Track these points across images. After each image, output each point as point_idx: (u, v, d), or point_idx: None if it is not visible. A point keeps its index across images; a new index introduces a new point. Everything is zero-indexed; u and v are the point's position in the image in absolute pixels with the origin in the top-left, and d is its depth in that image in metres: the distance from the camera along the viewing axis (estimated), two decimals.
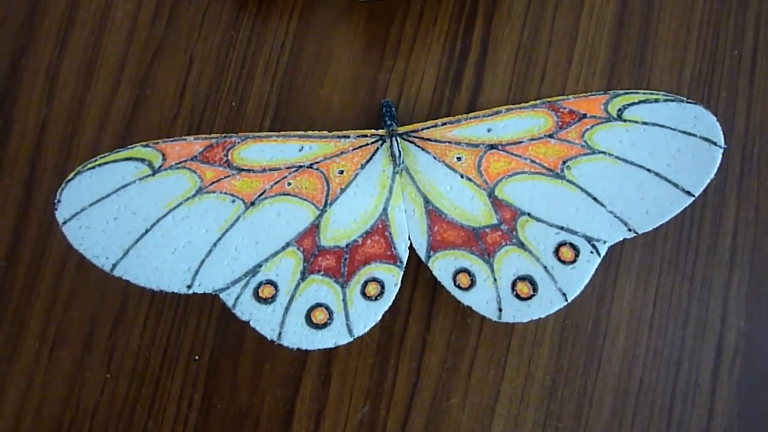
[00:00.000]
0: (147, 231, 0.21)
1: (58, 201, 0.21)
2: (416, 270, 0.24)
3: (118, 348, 0.25)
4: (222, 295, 0.21)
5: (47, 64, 0.27)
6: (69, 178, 0.22)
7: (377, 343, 0.24)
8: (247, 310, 0.21)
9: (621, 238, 0.22)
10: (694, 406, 0.23)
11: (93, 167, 0.22)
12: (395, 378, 0.24)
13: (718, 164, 0.22)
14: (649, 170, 0.22)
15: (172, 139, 0.23)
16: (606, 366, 0.23)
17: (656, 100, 0.23)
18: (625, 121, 0.23)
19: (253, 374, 0.24)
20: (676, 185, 0.22)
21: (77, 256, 0.25)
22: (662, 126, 0.22)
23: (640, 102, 0.23)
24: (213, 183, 0.22)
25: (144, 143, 0.22)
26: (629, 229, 0.22)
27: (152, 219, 0.21)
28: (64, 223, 0.21)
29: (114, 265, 0.21)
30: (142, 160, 0.22)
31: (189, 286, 0.21)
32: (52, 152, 0.27)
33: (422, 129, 0.23)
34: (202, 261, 0.21)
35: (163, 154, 0.22)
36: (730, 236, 0.24)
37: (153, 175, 0.22)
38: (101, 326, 0.25)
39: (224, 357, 0.24)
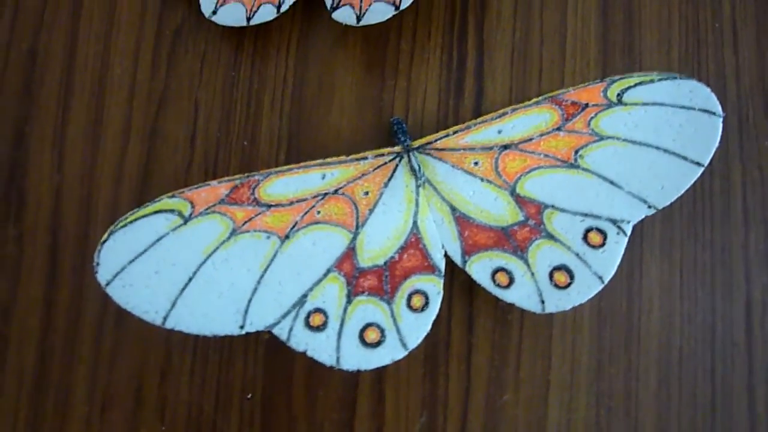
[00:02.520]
0: (190, 279, 0.22)
1: (97, 264, 0.22)
2: (450, 276, 0.24)
3: (170, 399, 0.25)
4: (275, 331, 0.21)
5: (52, 130, 0.28)
6: (103, 239, 0.22)
7: (424, 353, 0.24)
8: (301, 340, 0.21)
9: (643, 216, 0.23)
10: (734, 365, 0.24)
11: (125, 225, 0.22)
12: (447, 384, 0.24)
13: (720, 132, 0.23)
14: (657, 148, 0.23)
15: (196, 186, 0.23)
16: (645, 340, 0.24)
17: (651, 81, 0.24)
18: (625, 104, 0.24)
19: (308, 403, 0.25)
20: (684, 158, 0.23)
21: (114, 314, 0.26)
22: (661, 104, 0.23)
23: (636, 84, 0.24)
24: (245, 223, 0.23)
25: (170, 194, 0.23)
26: (649, 206, 0.23)
27: (193, 267, 0.22)
28: (107, 284, 0.21)
29: (164, 318, 0.21)
30: (172, 211, 0.22)
31: (241, 327, 0.21)
32: (71, 216, 0.27)
33: (436, 140, 0.24)
34: (250, 300, 0.22)
35: (191, 202, 0.23)
36: (740, 198, 0.25)
37: (185, 223, 0.22)
38: (149, 380, 0.25)
39: (276, 391, 0.25)
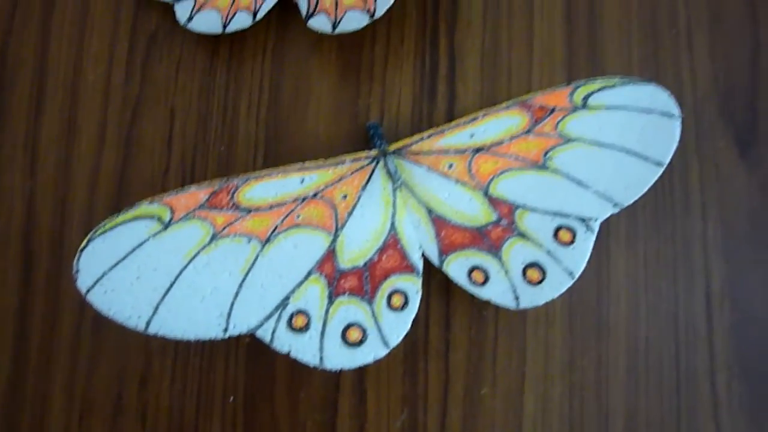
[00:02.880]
0: (172, 284, 0.22)
1: (77, 271, 0.22)
2: (427, 276, 0.25)
3: (150, 404, 0.25)
4: (258, 333, 0.22)
5: (24, 135, 0.27)
6: (83, 246, 0.22)
7: (403, 351, 0.25)
8: (285, 342, 0.22)
9: (609, 214, 0.24)
10: (697, 352, 0.25)
11: (104, 231, 0.22)
12: (426, 381, 0.25)
13: (678, 133, 0.24)
14: (620, 149, 0.24)
15: (176, 191, 0.23)
16: (614, 331, 0.25)
17: (614, 85, 0.25)
18: (590, 108, 0.25)
19: (290, 404, 0.25)
20: (646, 158, 0.24)
21: (91, 321, 0.26)
22: (624, 107, 0.25)
23: (600, 89, 0.25)
24: (225, 227, 0.23)
25: (149, 200, 0.23)
26: (615, 204, 0.24)
27: (174, 272, 0.22)
28: (88, 291, 0.21)
29: (147, 324, 0.21)
30: (152, 217, 0.23)
31: (225, 330, 0.22)
32: (44, 223, 0.27)
33: (411, 144, 0.25)
34: (232, 303, 0.22)
35: (171, 208, 0.23)
36: (699, 195, 0.26)
37: (165, 229, 0.22)
38: (129, 386, 0.25)
39: (258, 393, 0.25)
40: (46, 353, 0.26)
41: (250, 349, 0.25)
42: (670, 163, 0.24)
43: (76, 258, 0.22)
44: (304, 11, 0.26)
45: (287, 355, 0.22)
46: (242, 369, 0.25)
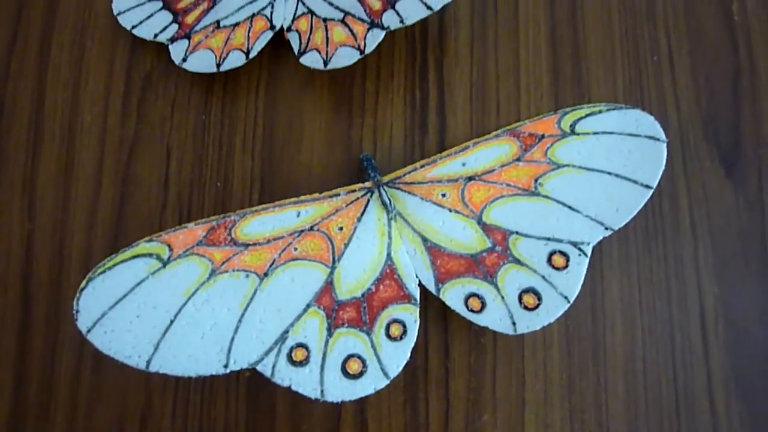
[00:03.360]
0: (172, 322, 0.22)
1: (77, 311, 0.22)
2: (424, 304, 0.25)
3: None
4: (258, 368, 0.22)
5: (21, 178, 0.28)
6: (82, 286, 0.22)
7: (404, 380, 0.25)
8: (285, 376, 0.22)
9: (601, 237, 0.24)
10: (694, 371, 0.25)
11: (104, 271, 0.22)
12: (427, 409, 0.25)
13: (665, 156, 0.25)
14: (609, 173, 0.25)
15: (173, 229, 0.23)
16: (611, 353, 0.25)
17: (600, 111, 0.26)
18: (578, 134, 0.25)
19: None
20: (635, 182, 0.24)
21: (91, 360, 0.26)
22: (611, 132, 0.25)
23: (587, 115, 0.26)
24: (224, 263, 0.23)
25: (147, 238, 0.23)
26: (606, 228, 0.24)
27: (174, 309, 0.22)
28: (88, 331, 0.22)
29: (148, 362, 0.21)
30: (150, 255, 0.23)
31: (225, 366, 0.22)
32: (43, 265, 0.27)
33: (404, 174, 0.25)
34: (232, 339, 0.22)
35: (169, 245, 0.23)
36: (688, 215, 0.27)
37: (164, 267, 0.23)
38: (129, 426, 0.25)
39: (260, 428, 0.25)
40: (46, 394, 0.26)
41: (250, 383, 0.25)
42: (659, 185, 0.24)
43: (75, 298, 0.22)
44: (296, 48, 0.26)
45: (288, 389, 0.22)
46: (243, 404, 0.25)
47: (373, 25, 0.25)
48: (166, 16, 0.28)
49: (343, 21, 0.26)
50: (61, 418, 0.25)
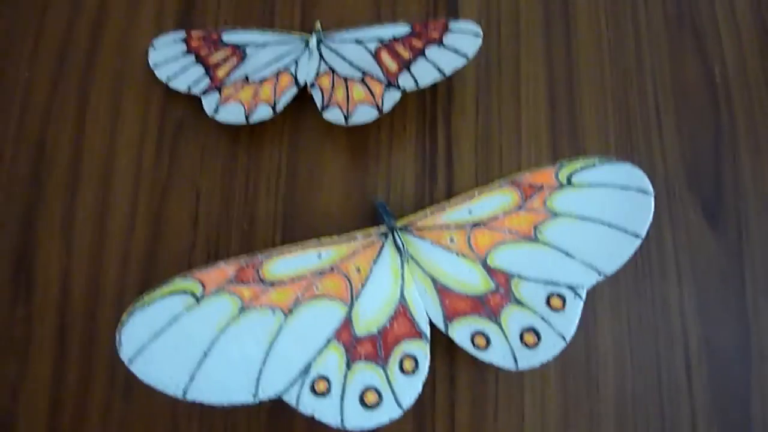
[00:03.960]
0: (206, 354, 0.24)
1: (120, 343, 0.24)
2: (432, 338, 0.27)
3: None
4: (284, 397, 0.24)
5: (60, 216, 0.30)
6: (123, 320, 0.24)
7: (412, 410, 0.27)
8: (309, 405, 0.24)
9: (594, 281, 0.26)
10: (680, 406, 0.27)
11: (143, 306, 0.24)
12: None
13: (652, 208, 0.27)
14: (602, 222, 0.27)
15: (205, 267, 0.26)
16: (603, 388, 0.28)
17: (594, 164, 0.28)
18: (574, 185, 0.28)
19: None
20: (625, 231, 0.27)
21: (121, 389, 0.28)
22: (604, 185, 0.28)
23: (582, 168, 0.28)
24: (252, 300, 0.25)
25: (182, 275, 0.25)
26: (599, 273, 0.26)
27: (208, 342, 0.24)
28: (130, 362, 0.24)
29: (185, 392, 0.23)
30: (185, 292, 0.25)
31: (255, 395, 0.24)
32: (79, 297, 0.29)
33: (416, 220, 0.28)
34: (260, 370, 0.24)
35: (202, 283, 0.25)
36: (673, 260, 0.29)
37: (198, 303, 0.25)
38: None
39: None
40: (79, 421, 0.27)
41: (270, 411, 0.27)
42: (647, 233, 0.27)
43: (118, 331, 0.24)
44: (319, 104, 0.29)
45: (306, 419, 0.24)
46: (264, 430, 0.27)
47: (390, 85, 0.28)
48: (199, 70, 0.31)
49: (362, 80, 0.29)
50: None
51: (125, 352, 0.24)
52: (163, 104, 0.32)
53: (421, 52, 0.29)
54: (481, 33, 0.28)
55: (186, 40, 0.32)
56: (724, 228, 0.30)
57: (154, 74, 0.31)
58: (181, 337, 0.24)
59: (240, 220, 0.30)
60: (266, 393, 0.24)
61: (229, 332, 0.25)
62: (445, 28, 0.29)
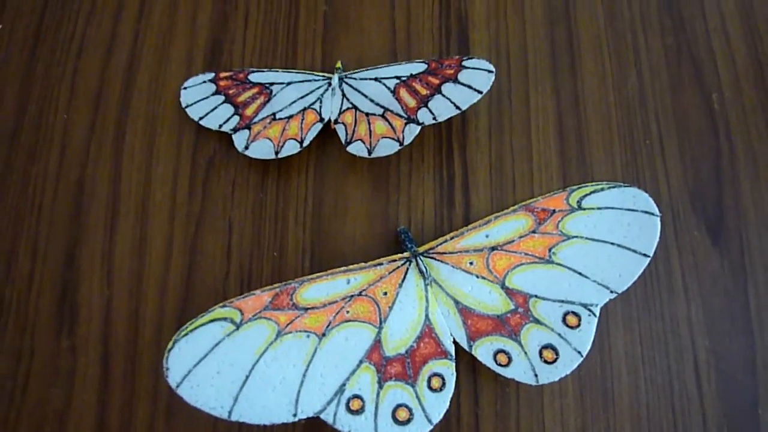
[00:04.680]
0: (247, 377, 0.26)
1: (167, 368, 0.25)
2: (456, 356, 0.29)
3: None
4: (322, 416, 0.26)
5: (101, 250, 0.32)
6: (169, 347, 0.26)
7: (439, 426, 0.29)
8: (345, 423, 0.25)
9: (607, 299, 0.28)
10: (691, 415, 0.29)
11: (187, 334, 0.26)
12: None
13: (659, 228, 0.29)
14: (612, 243, 0.29)
15: (243, 295, 0.27)
16: (618, 400, 0.29)
17: (602, 189, 0.30)
18: (584, 209, 0.30)
19: None
20: (634, 251, 0.29)
21: (163, 412, 0.29)
22: (612, 208, 0.30)
23: (591, 192, 0.30)
24: (288, 325, 0.27)
25: (221, 304, 0.27)
26: (611, 291, 0.28)
27: (248, 366, 0.26)
28: (177, 386, 0.25)
29: (229, 413, 0.25)
30: (225, 319, 0.27)
31: (294, 415, 0.25)
32: (121, 327, 0.31)
33: (437, 246, 0.29)
34: (299, 391, 0.26)
35: (240, 310, 0.27)
36: (681, 278, 0.31)
37: (237, 329, 0.27)
38: None
39: None
40: None
41: (306, 428, 0.29)
42: (654, 253, 0.28)
43: (165, 358, 0.26)
44: (343, 138, 0.31)
45: None
46: None
47: (409, 120, 0.30)
48: (229, 109, 0.33)
49: (383, 116, 0.31)
50: None
51: (172, 378, 0.25)
52: (194, 142, 0.34)
53: (438, 89, 0.31)
54: (494, 69, 0.31)
55: (215, 81, 0.34)
56: (726, 246, 0.31)
57: (185, 114, 0.33)
58: (223, 362, 0.26)
59: (270, 250, 0.31)
60: (305, 412, 0.26)
61: (267, 356, 0.26)
62: (459, 66, 0.31)
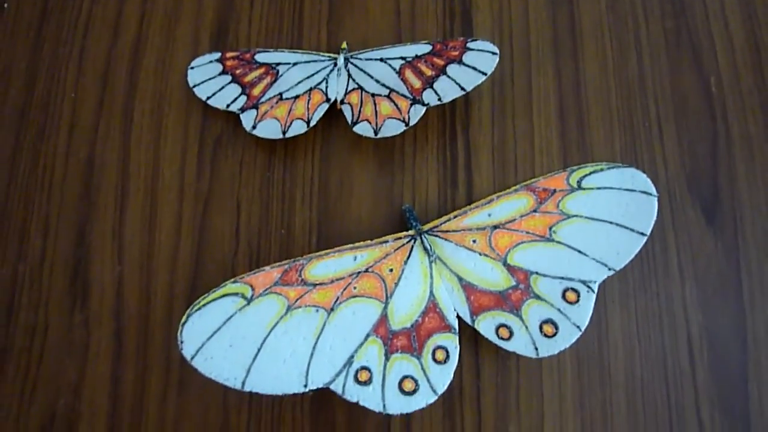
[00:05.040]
0: (259, 350, 0.27)
1: (182, 341, 0.26)
2: (459, 332, 0.30)
3: None
4: (331, 387, 0.27)
5: (111, 228, 0.32)
6: (183, 321, 0.27)
7: (442, 397, 0.30)
8: (354, 393, 0.26)
9: (605, 276, 0.29)
10: (683, 388, 0.30)
11: (200, 308, 0.27)
12: (463, 422, 0.30)
13: (656, 208, 0.30)
14: (610, 222, 0.30)
15: (253, 271, 0.28)
16: (615, 374, 0.30)
17: (602, 170, 0.31)
18: (584, 189, 0.31)
19: None
20: (632, 230, 0.30)
21: (176, 385, 0.30)
22: (611, 188, 0.30)
23: (591, 173, 0.31)
24: (297, 300, 0.28)
25: (233, 279, 0.28)
26: (609, 269, 0.29)
27: (260, 339, 0.27)
28: (192, 358, 0.26)
29: (243, 383, 0.26)
30: (236, 294, 0.28)
31: (305, 386, 0.26)
32: (132, 302, 0.31)
33: (441, 224, 0.30)
34: (309, 363, 0.27)
35: (251, 286, 0.28)
36: (676, 258, 0.32)
37: (248, 304, 0.27)
38: None
39: None
40: (137, 415, 0.30)
41: (313, 402, 0.30)
42: (651, 232, 0.29)
43: (179, 331, 0.26)
44: (349, 119, 0.32)
45: (355, 404, 0.26)
46: (307, 420, 0.30)
47: (415, 101, 0.31)
48: (236, 89, 0.33)
49: (389, 96, 0.31)
50: None
51: (187, 350, 0.26)
52: (202, 121, 0.34)
53: (443, 70, 0.31)
54: (498, 51, 0.31)
55: (221, 61, 0.34)
56: (721, 226, 0.32)
57: (192, 93, 0.34)
58: (235, 335, 0.27)
59: (278, 228, 0.32)
60: (315, 383, 0.27)
61: (278, 330, 0.27)
62: (464, 48, 0.32)
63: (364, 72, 0.33)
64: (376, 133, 0.31)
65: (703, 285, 0.31)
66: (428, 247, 0.29)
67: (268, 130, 0.32)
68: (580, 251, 0.29)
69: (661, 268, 0.32)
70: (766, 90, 0.34)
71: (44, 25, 0.36)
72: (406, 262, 0.29)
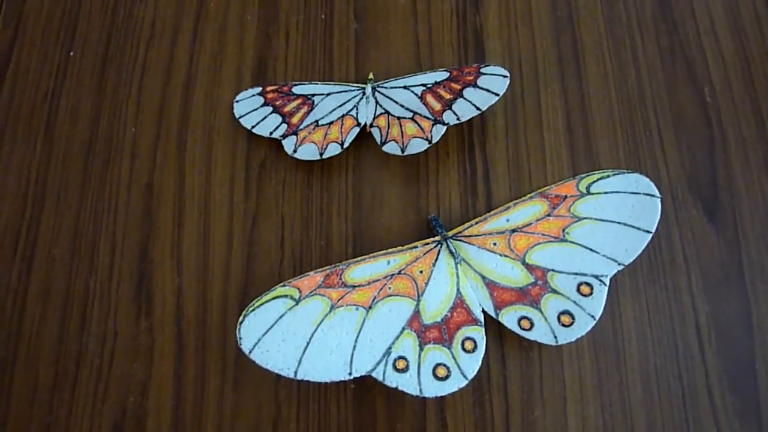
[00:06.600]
0: (308, 343, 0.30)
1: (240, 338, 0.30)
2: (485, 324, 0.33)
3: None
4: (373, 374, 0.30)
5: (170, 244, 0.36)
6: (240, 320, 0.30)
7: (472, 386, 0.33)
8: (393, 380, 0.30)
9: (615, 271, 0.32)
10: (695, 371, 0.33)
11: (254, 309, 0.31)
12: (492, 409, 0.33)
13: (660, 208, 0.33)
14: (618, 222, 0.33)
15: (299, 276, 0.32)
16: (630, 360, 0.33)
17: (608, 176, 0.34)
18: (592, 194, 0.34)
19: None
20: (638, 228, 0.33)
21: (232, 382, 0.34)
22: (617, 192, 0.34)
23: (598, 179, 0.34)
24: (339, 300, 0.31)
25: (282, 284, 0.32)
26: (619, 264, 0.32)
27: (308, 334, 0.30)
28: (250, 351, 0.30)
29: (295, 372, 0.30)
30: (286, 296, 0.31)
31: (350, 374, 0.30)
32: (191, 309, 0.35)
33: (464, 230, 0.34)
34: (352, 354, 0.30)
35: (299, 289, 0.32)
36: (681, 252, 0.35)
37: (297, 304, 0.31)
38: (264, 430, 0.33)
39: (364, 428, 0.33)
40: (198, 410, 0.33)
41: (355, 393, 0.33)
42: (657, 230, 0.32)
43: (237, 329, 0.30)
44: (378, 140, 0.36)
45: (394, 390, 0.30)
46: (350, 409, 0.33)
47: (436, 121, 0.35)
48: (276, 118, 0.38)
49: (413, 119, 0.35)
50: (211, 428, 0.33)
51: (245, 345, 0.30)
52: (247, 148, 0.38)
53: (460, 93, 0.35)
54: (509, 75, 0.35)
55: (262, 94, 0.39)
56: (722, 222, 0.35)
57: (238, 123, 0.38)
58: (287, 331, 0.30)
59: (318, 239, 0.36)
60: (359, 371, 0.30)
61: (324, 326, 0.31)
62: (478, 72, 0.36)
63: (390, 98, 0.37)
64: (402, 151, 0.34)
65: (707, 276, 0.34)
66: (453, 251, 0.33)
67: (307, 152, 0.36)
68: (591, 249, 0.33)
69: (668, 262, 0.35)
70: (757, 96, 0.37)
71: (106, 69, 0.41)
72: (434, 264, 0.33)
